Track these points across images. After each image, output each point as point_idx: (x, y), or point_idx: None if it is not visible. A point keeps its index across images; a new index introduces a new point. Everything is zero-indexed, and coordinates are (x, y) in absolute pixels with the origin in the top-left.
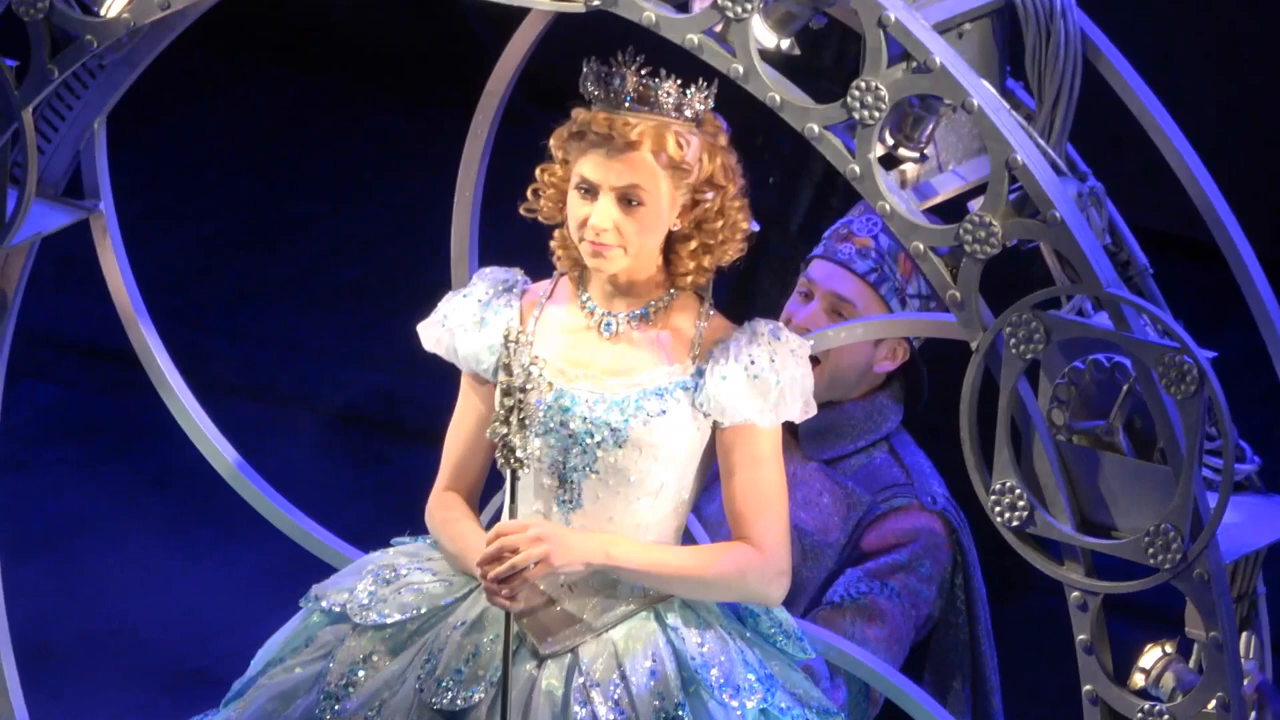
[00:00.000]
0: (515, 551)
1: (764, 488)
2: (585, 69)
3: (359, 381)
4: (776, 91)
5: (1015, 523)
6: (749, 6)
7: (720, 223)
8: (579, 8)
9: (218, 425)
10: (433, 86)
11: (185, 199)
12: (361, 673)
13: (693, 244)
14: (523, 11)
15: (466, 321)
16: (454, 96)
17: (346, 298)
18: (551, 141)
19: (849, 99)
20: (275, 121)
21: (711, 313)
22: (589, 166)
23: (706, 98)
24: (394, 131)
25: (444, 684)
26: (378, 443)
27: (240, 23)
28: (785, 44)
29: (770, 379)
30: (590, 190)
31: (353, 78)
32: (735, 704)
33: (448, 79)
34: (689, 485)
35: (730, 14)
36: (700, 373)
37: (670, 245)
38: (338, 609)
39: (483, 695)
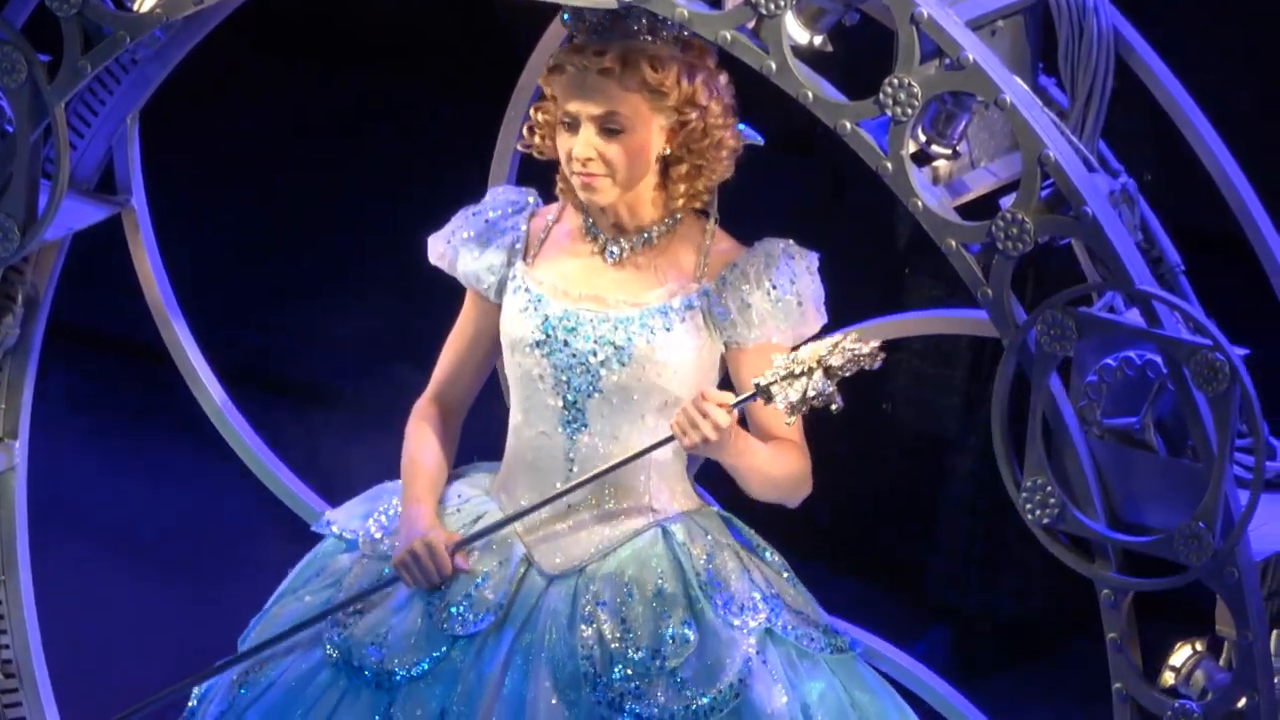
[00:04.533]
0: (704, 413)
1: None
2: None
3: (396, 374)
4: (809, 88)
5: (1046, 520)
6: (782, 3)
7: (706, 141)
8: (610, 3)
9: (248, 420)
10: (465, 79)
11: (217, 195)
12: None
13: (684, 166)
14: (554, 7)
15: (471, 240)
16: (487, 90)
17: (382, 292)
18: (540, 79)
19: (882, 95)
20: (310, 116)
21: (716, 231)
22: (567, 98)
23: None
24: (427, 124)
25: (453, 610)
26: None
27: (273, 17)
28: (818, 40)
29: (792, 301)
30: (572, 123)
31: (386, 70)
32: (739, 622)
33: (481, 72)
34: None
35: (763, 10)
36: (707, 292)
37: (664, 170)
38: (349, 536)
39: (492, 620)
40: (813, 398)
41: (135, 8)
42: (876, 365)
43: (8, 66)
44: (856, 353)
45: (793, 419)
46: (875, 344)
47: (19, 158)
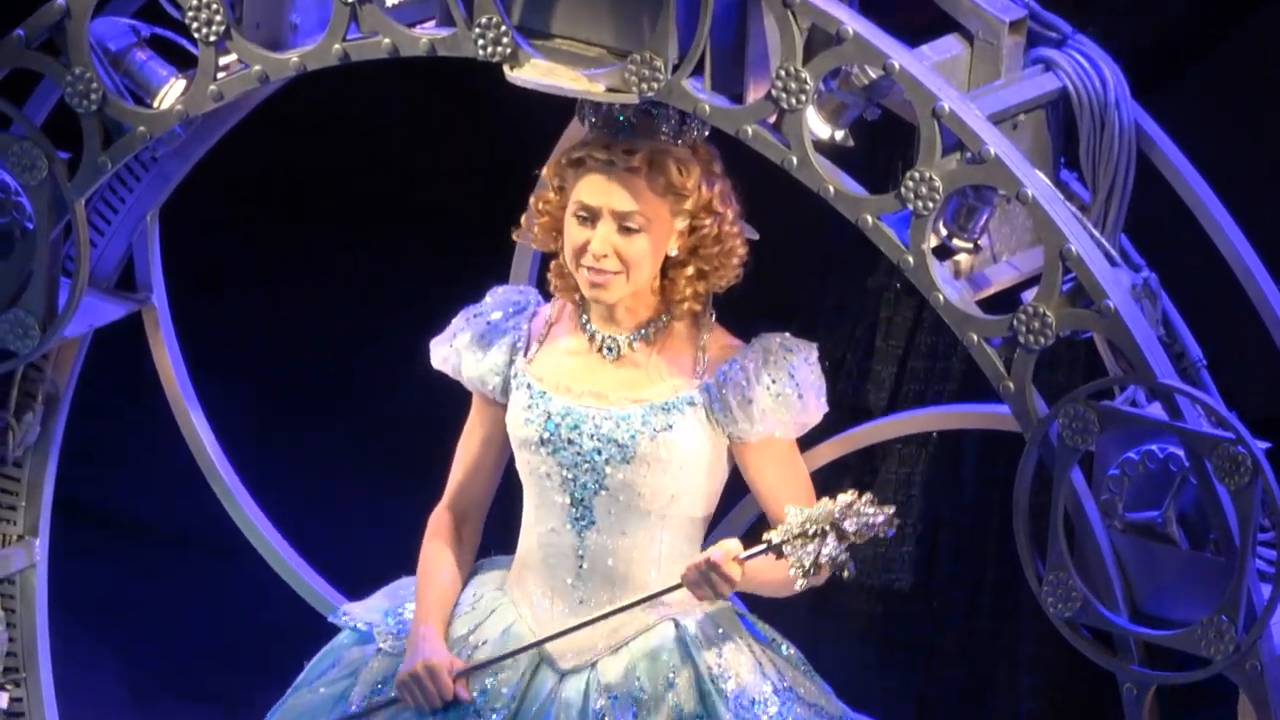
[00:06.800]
0: (718, 569)
1: (799, 484)
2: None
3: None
4: (831, 183)
5: (1068, 613)
6: (803, 97)
7: (717, 249)
8: (633, 98)
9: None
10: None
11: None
12: (395, 680)
13: (689, 269)
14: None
15: (473, 343)
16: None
17: (408, 385)
18: (547, 170)
19: (903, 189)
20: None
21: (713, 325)
22: (588, 192)
23: (704, 123)
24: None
25: (466, 705)
26: None
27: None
28: (839, 135)
29: (793, 395)
30: (590, 216)
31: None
32: (750, 716)
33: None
34: (702, 496)
35: (784, 105)
36: (708, 389)
37: (665, 270)
38: (364, 627)
39: (505, 715)
40: (825, 564)
41: (155, 104)
42: (890, 533)
43: (28, 164)
44: (871, 521)
45: (803, 584)
46: (889, 511)
47: (39, 255)
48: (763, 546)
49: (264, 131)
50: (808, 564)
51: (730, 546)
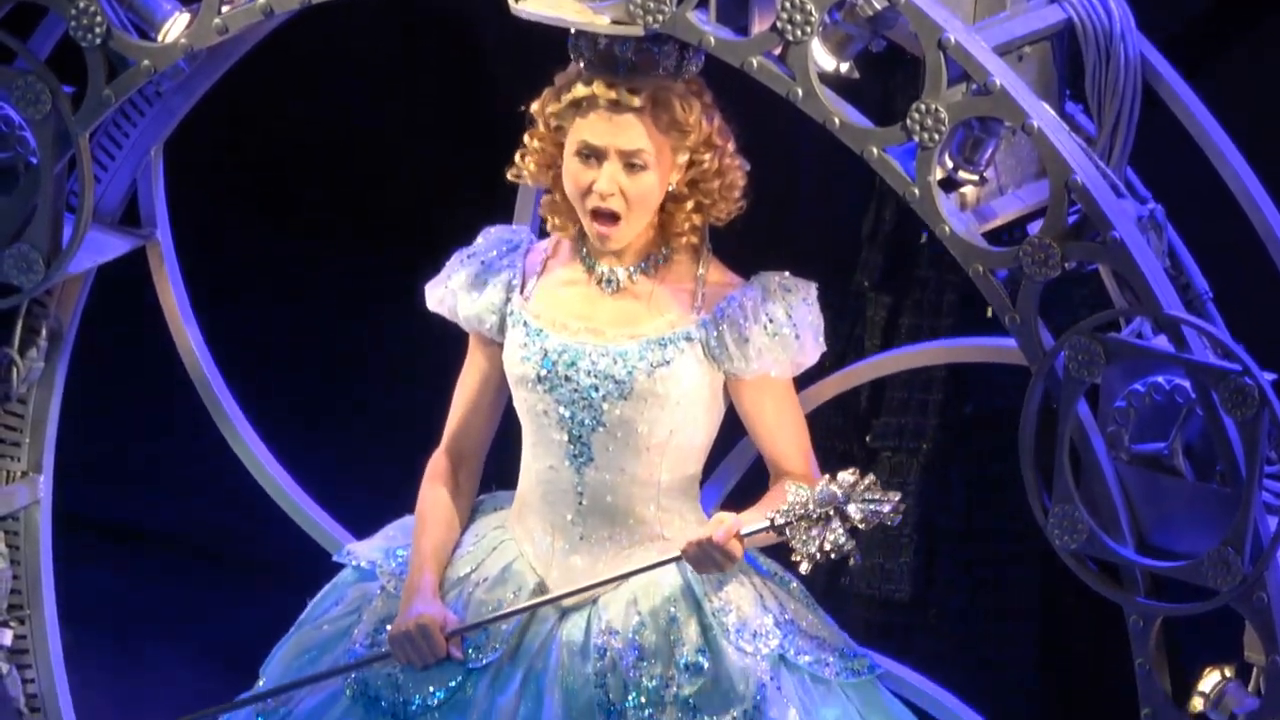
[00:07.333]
0: (719, 548)
1: (795, 426)
2: (574, 31)
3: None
4: (835, 114)
5: (1074, 545)
6: (808, 29)
7: (718, 182)
8: (638, 31)
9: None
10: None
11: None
12: (387, 630)
13: (688, 204)
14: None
15: (468, 283)
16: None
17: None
18: (541, 107)
19: (909, 121)
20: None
21: (710, 261)
22: (592, 132)
23: (700, 57)
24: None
25: (466, 643)
26: None
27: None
28: (844, 67)
29: (789, 334)
30: (595, 155)
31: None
32: (751, 649)
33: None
34: (701, 431)
35: (789, 37)
36: (705, 324)
37: (664, 204)
38: (367, 566)
39: (504, 649)
40: (831, 551)
41: (159, 38)
42: (895, 522)
43: (32, 98)
44: (877, 509)
45: (809, 568)
46: (894, 497)
47: (43, 189)
48: (764, 525)
49: (269, 63)
50: (813, 549)
51: (730, 523)
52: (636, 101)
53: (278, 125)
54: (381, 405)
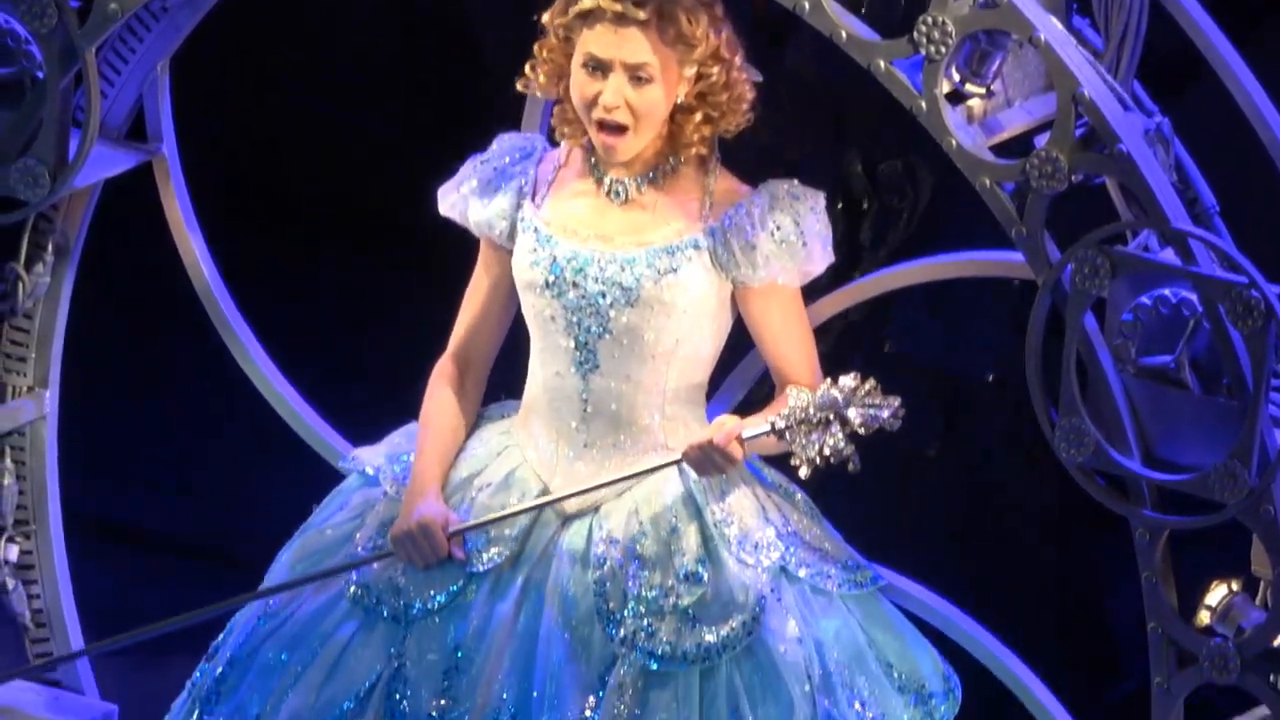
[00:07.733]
0: (719, 450)
1: (801, 334)
2: None
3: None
4: (842, 28)
5: (1080, 458)
6: None
7: (726, 95)
8: None
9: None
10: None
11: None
12: (390, 534)
13: (697, 116)
14: None
15: (480, 188)
16: None
17: (421, 237)
18: (551, 18)
19: (916, 34)
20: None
21: (720, 171)
22: (598, 45)
23: None
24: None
25: (469, 546)
26: None
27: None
28: None
29: (797, 242)
30: (600, 67)
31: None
32: (752, 560)
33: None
34: (708, 340)
35: None
36: (713, 232)
37: (672, 115)
38: (371, 472)
39: (506, 554)
40: (830, 456)
41: None
42: (895, 427)
43: (38, 11)
44: (877, 414)
45: (808, 472)
46: (895, 402)
47: (49, 103)
48: (765, 428)
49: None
50: (813, 453)
51: (731, 426)
52: (641, 14)
53: (285, 41)
54: (389, 320)
